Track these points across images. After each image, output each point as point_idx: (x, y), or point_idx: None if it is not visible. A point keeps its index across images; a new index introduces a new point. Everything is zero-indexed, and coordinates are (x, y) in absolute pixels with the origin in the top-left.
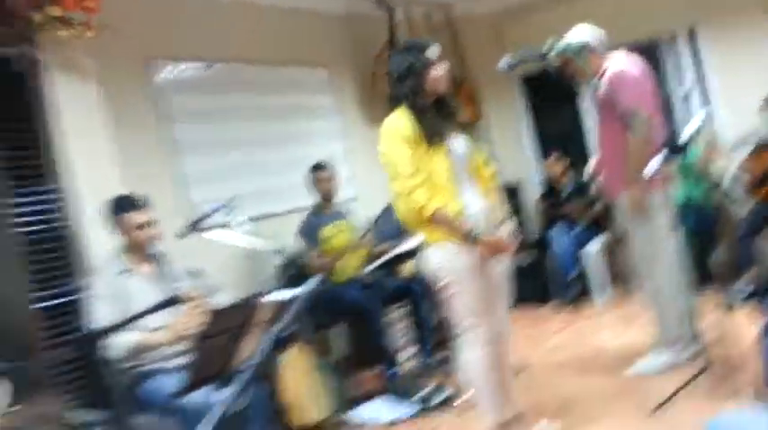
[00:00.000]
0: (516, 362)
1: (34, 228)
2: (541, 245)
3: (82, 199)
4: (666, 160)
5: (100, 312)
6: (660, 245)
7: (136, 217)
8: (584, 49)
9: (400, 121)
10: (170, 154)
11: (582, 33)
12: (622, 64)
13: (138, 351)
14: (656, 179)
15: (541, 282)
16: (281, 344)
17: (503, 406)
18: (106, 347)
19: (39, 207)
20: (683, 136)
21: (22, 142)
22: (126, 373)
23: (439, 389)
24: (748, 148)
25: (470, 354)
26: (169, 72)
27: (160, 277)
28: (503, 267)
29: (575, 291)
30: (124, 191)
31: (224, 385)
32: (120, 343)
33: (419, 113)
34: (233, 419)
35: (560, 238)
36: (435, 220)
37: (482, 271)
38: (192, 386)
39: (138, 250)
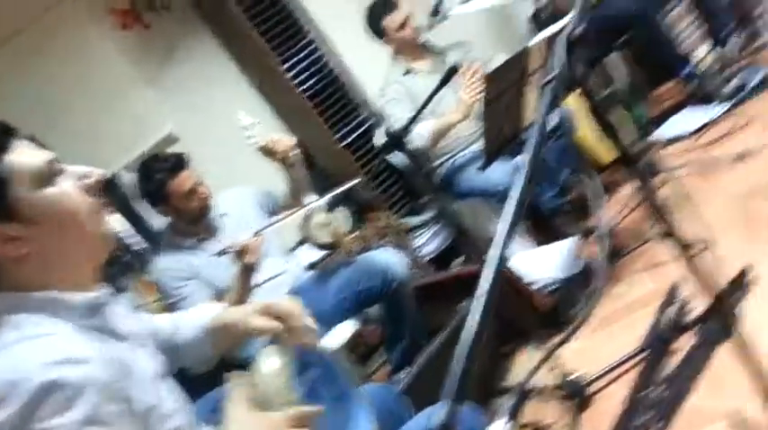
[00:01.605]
0: None
1: (310, 81)
2: None
3: (334, 36)
4: None
5: (398, 114)
6: None
7: (395, 17)
8: None
9: None
10: None
11: None
12: None
13: (438, 135)
14: None
15: None
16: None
17: None
18: (411, 142)
19: (305, 62)
20: None
21: (270, 12)
22: (440, 167)
23: (750, 71)
24: None
25: None
26: None
27: (438, 64)
28: None
29: None
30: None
31: (519, 150)
32: (420, 133)
33: None
34: (539, 173)
35: None
36: None
37: None
38: (492, 154)
39: (409, 48)
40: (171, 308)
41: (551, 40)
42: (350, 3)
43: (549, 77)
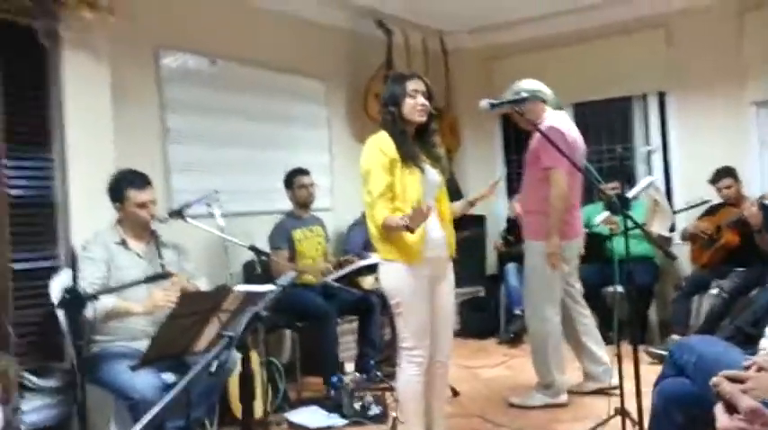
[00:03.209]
0: (449, 388)
1: (22, 191)
2: (497, 279)
3: (75, 170)
4: (612, 212)
5: (88, 274)
6: (548, 294)
7: (140, 195)
8: (529, 101)
9: (384, 140)
10: (161, 140)
11: (532, 86)
12: (556, 123)
13: (112, 315)
14: (569, 230)
15: (491, 315)
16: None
17: (423, 428)
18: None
19: (30, 172)
20: (631, 192)
21: (29, 109)
22: (94, 345)
23: (376, 403)
24: (696, 214)
25: (405, 374)
26: (174, 61)
27: (152, 255)
28: (450, 295)
29: (519, 328)
30: (119, 168)
31: (178, 368)
32: (98, 306)
33: (397, 138)
34: (181, 401)
35: (513, 275)
36: (386, 226)
37: (429, 296)
38: (149, 360)
39: (136, 226)
40: None
41: (250, 295)
42: (105, 153)
43: (229, 333)
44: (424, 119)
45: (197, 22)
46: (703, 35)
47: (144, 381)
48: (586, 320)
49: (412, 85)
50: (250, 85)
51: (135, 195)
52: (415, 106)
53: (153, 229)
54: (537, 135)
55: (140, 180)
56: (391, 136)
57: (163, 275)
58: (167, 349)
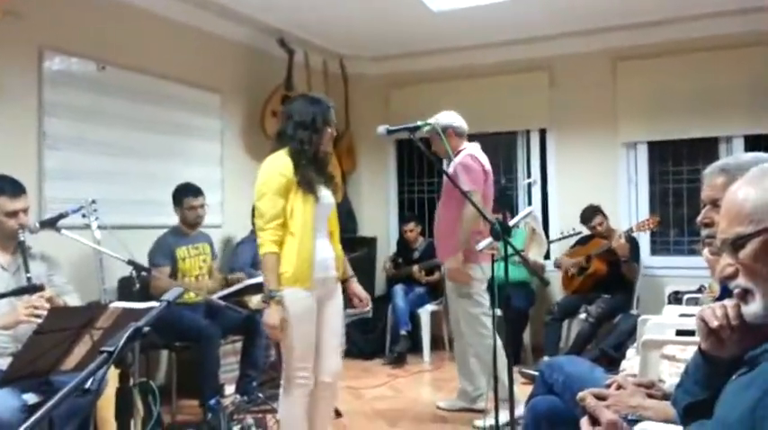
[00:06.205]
0: (335, 408)
1: None
2: (384, 300)
3: None
4: (494, 239)
5: None
6: (473, 310)
7: (11, 203)
8: (446, 131)
9: (283, 162)
10: (37, 145)
11: (449, 117)
12: (473, 153)
13: None
14: (478, 254)
15: (378, 335)
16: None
17: None
18: None
19: None
20: (512, 221)
21: None
22: None
23: (256, 425)
24: (569, 243)
25: (288, 396)
26: (58, 64)
27: (17, 268)
28: (338, 316)
29: (404, 348)
30: None
31: (41, 388)
32: None
33: (301, 162)
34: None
35: (400, 296)
36: (263, 261)
37: (316, 317)
38: (10, 379)
39: (2, 236)
40: None
41: (127, 312)
42: None
43: (109, 349)
44: (331, 148)
45: (88, 26)
46: (582, 79)
47: (2, 402)
48: (487, 342)
49: (332, 114)
50: (140, 93)
51: (5, 203)
52: (331, 137)
53: (22, 240)
54: (455, 162)
55: (12, 187)
56: (294, 158)
57: (33, 288)
58: (31, 367)
